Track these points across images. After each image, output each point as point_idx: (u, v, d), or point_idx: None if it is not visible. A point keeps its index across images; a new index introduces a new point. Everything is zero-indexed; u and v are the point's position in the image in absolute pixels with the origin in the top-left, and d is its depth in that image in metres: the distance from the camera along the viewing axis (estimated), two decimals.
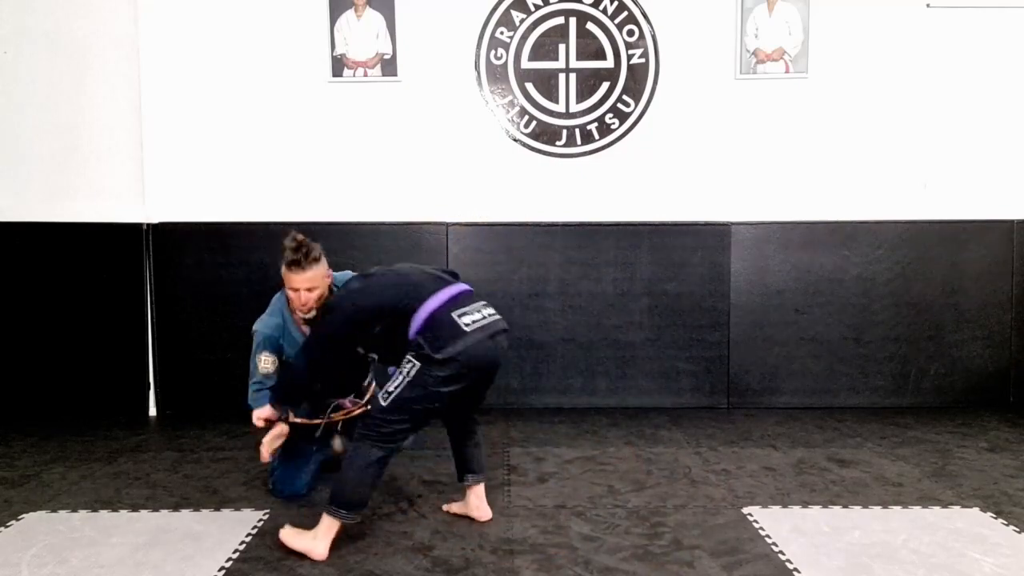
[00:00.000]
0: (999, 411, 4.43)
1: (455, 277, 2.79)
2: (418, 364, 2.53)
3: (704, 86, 4.46)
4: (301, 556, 2.58)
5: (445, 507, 2.98)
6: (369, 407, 2.97)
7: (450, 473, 3.09)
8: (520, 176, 4.51)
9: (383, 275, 2.77)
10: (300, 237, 2.78)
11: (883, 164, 4.51)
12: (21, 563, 2.56)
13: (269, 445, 2.88)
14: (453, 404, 2.66)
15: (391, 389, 2.55)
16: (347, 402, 3.15)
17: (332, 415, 3.07)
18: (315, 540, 2.58)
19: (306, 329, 2.96)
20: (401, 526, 2.85)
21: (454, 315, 2.56)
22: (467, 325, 2.56)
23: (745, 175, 4.50)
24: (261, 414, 2.89)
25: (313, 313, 2.80)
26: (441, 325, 2.54)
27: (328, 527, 2.58)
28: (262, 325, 3.04)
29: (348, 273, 3.09)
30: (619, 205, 4.50)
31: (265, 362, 2.97)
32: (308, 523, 2.86)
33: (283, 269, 2.77)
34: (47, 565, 2.55)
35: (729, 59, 4.45)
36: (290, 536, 2.62)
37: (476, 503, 2.89)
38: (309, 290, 2.76)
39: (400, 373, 2.55)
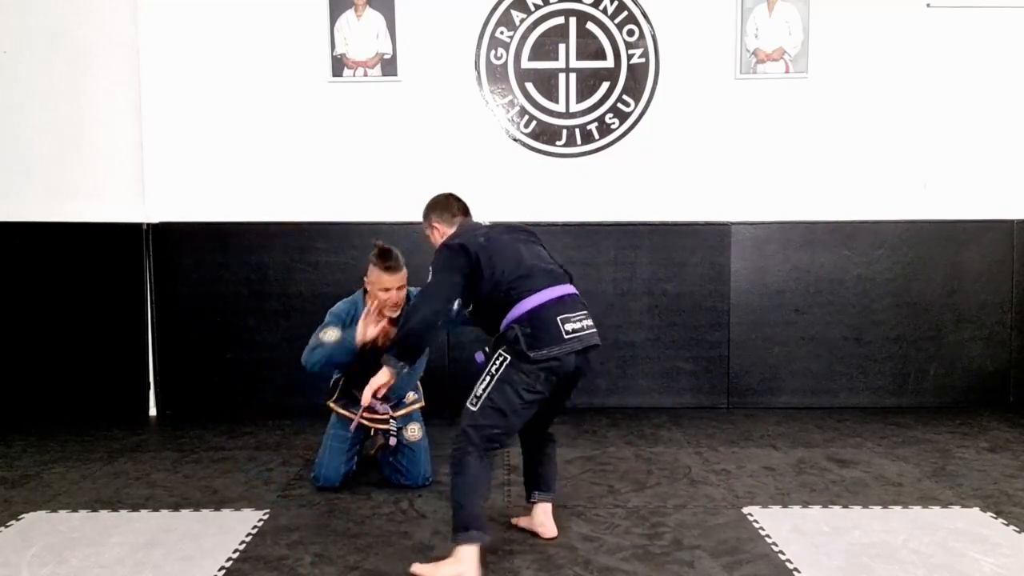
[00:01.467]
0: (999, 411, 4.43)
1: (567, 274, 2.68)
2: (508, 359, 2.45)
3: (704, 86, 4.46)
4: (301, 556, 2.59)
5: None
6: (392, 419, 3.15)
7: (446, 472, 3.04)
8: (520, 176, 4.51)
9: (503, 243, 2.62)
10: (385, 244, 2.98)
11: (883, 164, 4.51)
12: (21, 563, 2.56)
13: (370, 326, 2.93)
14: (534, 410, 2.55)
15: (479, 392, 2.47)
16: (379, 406, 3.13)
17: (363, 415, 3.03)
18: (460, 566, 2.37)
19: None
20: (401, 526, 2.85)
21: (560, 319, 2.48)
22: (567, 333, 2.47)
23: (745, 175, 4.50)
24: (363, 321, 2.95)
25: (399, 311, 3.00)
26: (544, 325, 2.46)
27: (466, 554, 2.38)
28: (336, 308, 3.23)
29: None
30: (619, 205, 4.50)
31: (327, 333, 3.06)
32: (308, 522, 2.87)
33: (376, 272, 3.00)
34: (47, 565, 2.55)
35: (729, 59, 4.45)
36: (427, 571, 2.41)
37: (542, 519, 2.76)
38: (399, 289, 3.03)
39: (487, 373, 2.48)
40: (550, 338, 2.44)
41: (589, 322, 2.57)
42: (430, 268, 2.60)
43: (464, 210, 2.85)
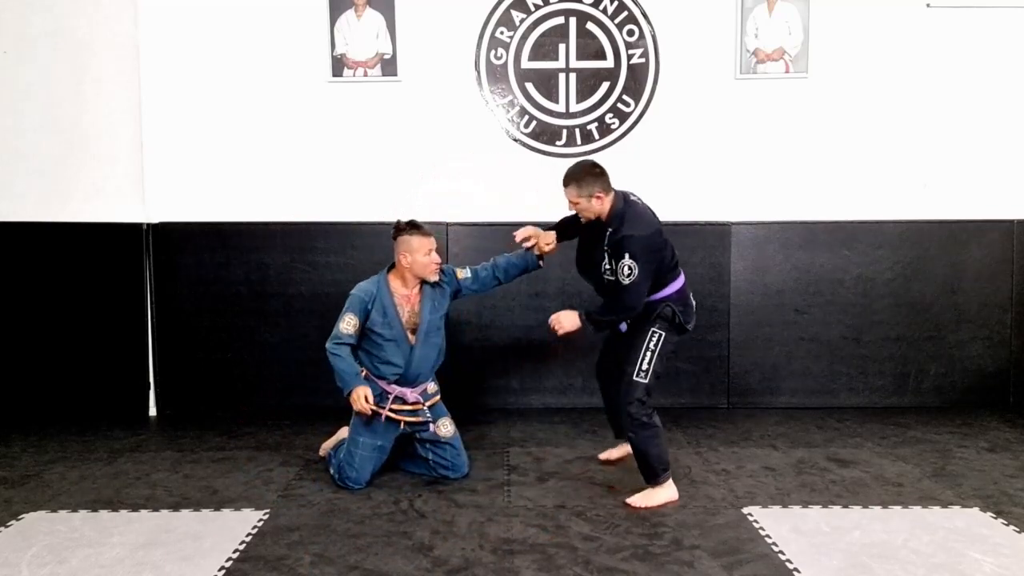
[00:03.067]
0: (999, 411, 4.43)
1: None
2: (663, 334, 3.01)
3: (704, 86, 4.46)
4: (301, 556, 2.60)
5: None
6: (421, 411, 3.27)
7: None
8: (520, 176, 4.51)
9: (658, 233, 3.04)
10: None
11: (883, 164, 4.51)
12: (21, 563, 2.56)
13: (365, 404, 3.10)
14: (605, 361, 3.29)
15: (644, 367, 2.99)
16: (409, 393, 3.26)
17: (392, 406, 3.21)
18: (667, 491, 3.05)
19: (400, 296, 3.24)
20: (401, 526, 2.85)
21: (690, 296, 3.12)
22: (695, 309, 3.14)
23: (745, 175, 4.50)
24: (360, 396, 3.08)
25: (439, 273, 3.27)
26: (689, 303, 3.10)
27: (668, 484, 3.05)
28: (357, 290, 3.25)
29: None
30: None
31: (347, 322, 3.16)
32: (308, 522, 2.87)
33: (417, 239, 3.21)
34: (47, 565, 2.55)
35: (729, 59, 4.45)
36: (642, 499, 3.02)
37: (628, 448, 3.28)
38: (436, 250, 3.25)
39: (646, 349, 2.99)
40: (692, 313, 3.10)
41: None
42: (626, 255, 2.90)
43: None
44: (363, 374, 3.23)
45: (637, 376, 2.98)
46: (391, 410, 3.20)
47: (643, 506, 3.00)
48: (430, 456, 3.33)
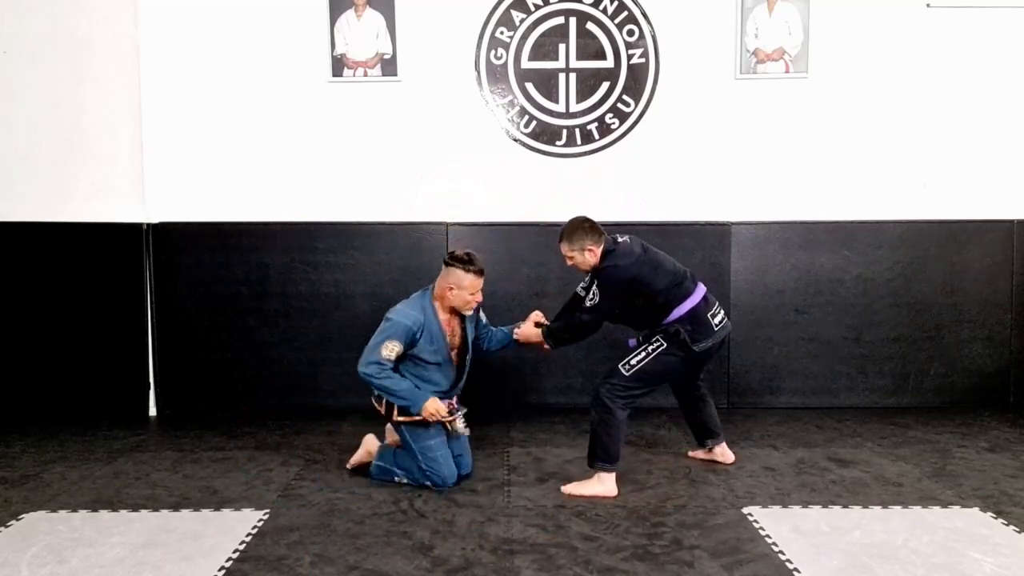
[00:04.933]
0: (999, 411, 4.43)
1: (696, 278, 3.29)
2: (665, 345, 3.13)
3: (704, 86, 4.46)
4: (301, 556, 2.59)
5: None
6: (456, 409, 3.33)
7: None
8: (520, 176, 4.51)
9: (655, 259, 3.21)
10: (462, 250, 3.32)
11: (883, 164, 4.51)
12: (21, 563, 2.56)
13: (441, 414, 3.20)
14: (677, 379, 3.37)
15: (633, 363, 3.13)
16: (444, 403, 3.29)
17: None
18: (601, 484, 3.12)
19: (443, 321, 3.26)
20: (401, 526, 2.85)
21: (708, 315, 3.17)
22: (716, 326, 3.19)
23: (745, 175, 4.50)
24: (435, 408, 3.17)
25: (473, 309, 3.32)
26: (701, 323, 3.15)
27: (607, 477, 3.12)
28: (402, 316, 3.18)
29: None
30: (619, 205, 4.49)
31: (391, 349, 3.13)
32: (308, 522, 2.87)
33: (469, 278, 3.17)
34: (47, 565, 2.55)
35: (729, 59, 4.45)
36: (575, 488, 3.13)
37: (721, 452, 3.51)
38: (480, 291, 3.25)
39: (643, 350, 3.14)
40: (707, 332, 3.15)
41: (723, 311, 3.28)
42: (595, 284, 3.18)
43: (600, 229, 3.29)
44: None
45: (623, 366, 3.15)
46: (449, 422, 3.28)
47: (573, 493, 3.11)
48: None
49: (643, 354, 3.14)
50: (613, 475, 3.13)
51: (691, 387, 3.47)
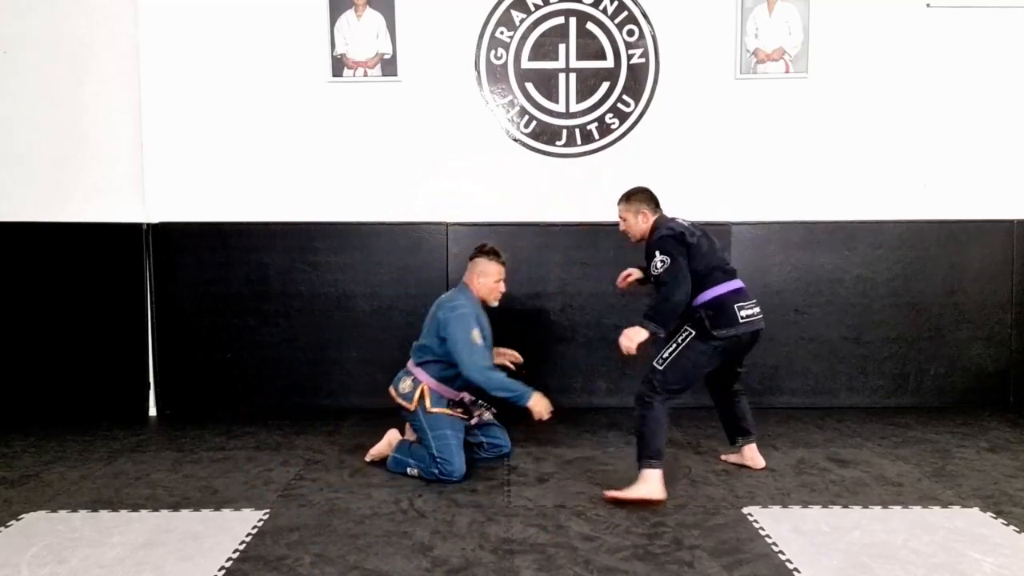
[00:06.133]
0: (999, 411, 4.43)
1: (736, 272, 3.29)
2: (693, 333, 3.13)
3: (704, 86, 4.46)
4: (301, 556, 2.59)
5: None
6: (480, 403, 3.49)
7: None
8: (520, 176, 4.51)
9: (703, 239, 3.22)
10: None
11: (883, 164, 4.51)
12: (21, 563, 2.56)
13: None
14: (710, 371, 3.29)
15: (666, 355, 3.14)
16: (467, 396, 3.47)
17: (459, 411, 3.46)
18: (648, 486, 3.03)
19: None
20: (401, 526, 2.85)
21: (736, 306, 3.15)
22: (743, 318, 3.15)
23: (745, 175, 4.50)
24: (543, 405, 3.34)
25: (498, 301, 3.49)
26: (725, 310, 3.13)
27: (651, 476, 3.04)
28: (468, 307, 3.35)
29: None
30: None
31: (477, 336, 3.30)
32: (308, 522, 2.86)
33: (495, 266, 3.43)
34: (47, 565, 2.55)
35: (729, 59, 4.45)
36: (622, 493, 3.03)
37: (751, 455, 3.48)
38: (505, 280, 3.49)
39: (674, 342, 3.15)
40: (730, 320, 3.12)
41: (758, 310, 3.24)
42: (656, 251, 3.16)
43: (659, 204, 3.38)
44: (423, 388, 3.35)
45: (657, 362, 3.16)
46: (477, 420, 3.48)
47: (619, 496, 3.03)
48: (483, 439, 3.52)
49: (673, 346, 3.15)
50: (658, 473, 3.05)
51: (727, 383, 3.47)
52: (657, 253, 3.16)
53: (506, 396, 3.29)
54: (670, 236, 3.16)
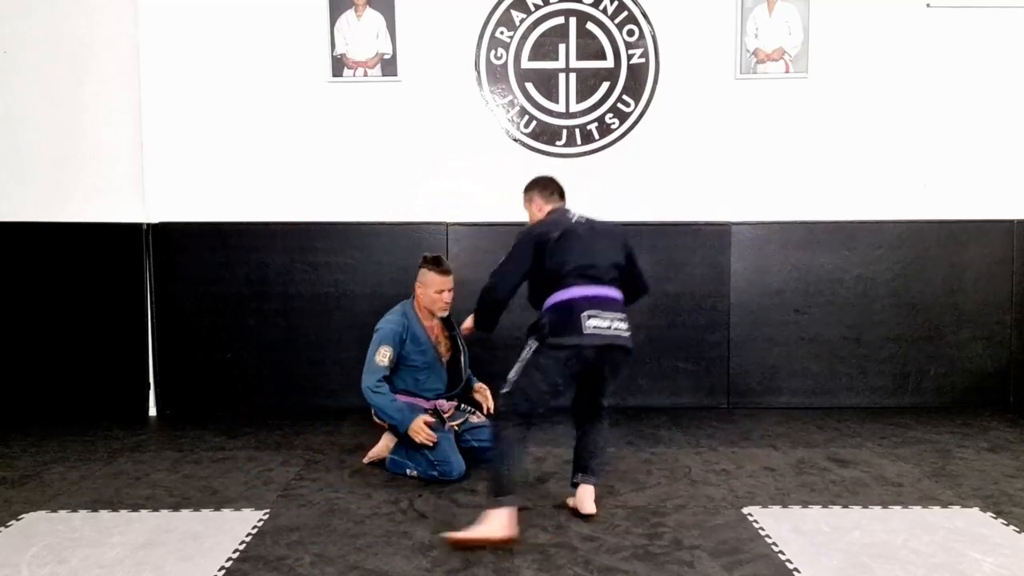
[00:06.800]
0: (999, 411, 4.43)
1: (610, 280, 2.89)
2: (535, 346, 2.81)
3: (704, 86, 4.46)
4: (301, 556, 2.59)
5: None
6: (462, 408, 3.49)
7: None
8: (520, 176, 4.45)
9: (574, 237, 2.89)
10: (432, 253, 3.39)
11: (883, 164, 4.51)
12: (21, 563, 2.56)
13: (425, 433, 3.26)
14: (566, 391, 2.91)
15: (511, 376, 2.83)
16: (444, 403, 3.48)
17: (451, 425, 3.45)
18: (489, 524, 2.66)
19: (427, 325, 3.44)
20: (401, 526, 2.85)
21: (584, 314, 2.76)
22: (588, 328, 2.75)
23: (745, 175, 4.50)
24: (421, 424, 3.24)
25: (447, 311, 3.39)
26: (567, 316, 2.77)
27: (495, 515, 2.66)
28: (386, 323, 3.39)
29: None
30: (619, 205, 4.49)
31: (383, 354, 3.28)
32: (308, 522, 2.87)
33: (432, 276, 3.34)
34: (47, 565, 2.55)
35: (729, 59, 4.45)
36: (462, 534, 2.67)
37: (581, 496, 2.95)
38: (450, 291, 3.38)
39: (520, 360, 2.84)
40: (570, 329, 2.75)
41: (621, 325, 2.84)
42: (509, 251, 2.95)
43: (562, 194, 3.16)
44: (400, 398, 3.36)
45: (504, 387, 2.84)
46: (450, 427, 3.44)
47: (459, 538, 2.65)
48: (473, 443, 3.45)
49: (518, 364, 2.82)
50: (503, 512, 2.65)
51: (582, 411, 3.04)
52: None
53: (387, 421, 3.30)
54: (524, 235, 2.92)
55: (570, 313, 2.76)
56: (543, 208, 3.09)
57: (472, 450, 3.44)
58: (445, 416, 3.45)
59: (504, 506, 2.67)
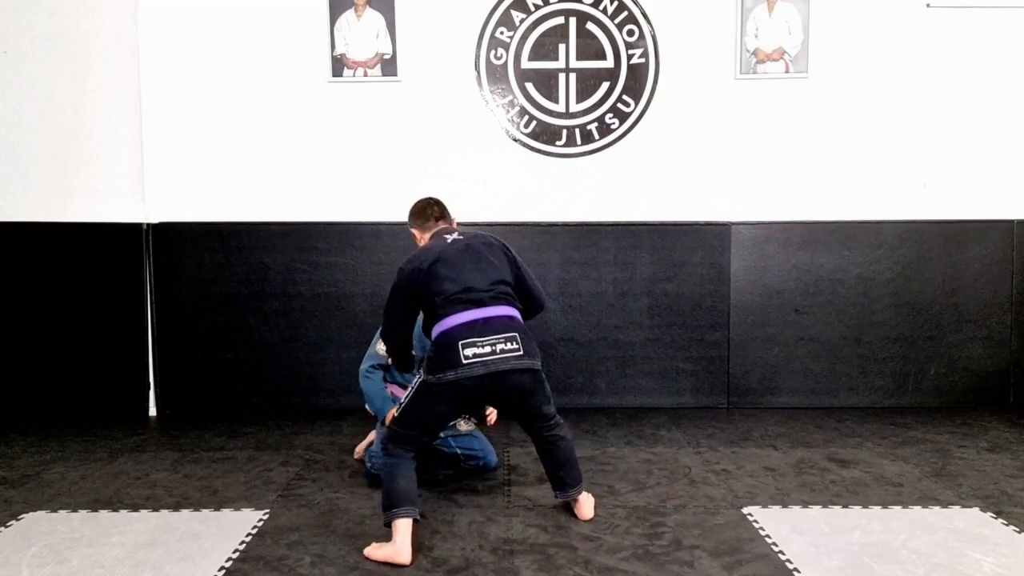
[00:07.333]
0: (999, 411, 4.43)
1: (495, 298, 2.72)
2: (422, 378, 2.70)
3: (704, 86, 4.46)
4: (301, 556, 2.60)
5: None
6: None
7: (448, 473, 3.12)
8: (520, 176, 4.51)
9: (450, 263, 2.73)
10: None
11: (883, 164, 4.51)
12: (21, 563, 2.56)
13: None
14: (453, 420, 2.95)
15: (402, 402, 2.77)
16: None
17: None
18: (389, 544, 2.58)
19: None
20: None
21: (460, 343, 2.59)
22: (467, 358, 2.58)
23: (745, 175, 4.50)
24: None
25: None
26: (443, 350, 2.61)
27: (393, 529, 2.59)
28: None
29: None
30: (619, 205, 4.50)
31: (383, 348, 3.14)
32: (308, 522, 2.87)
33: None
34: (47, 565, 2.55)
35: (729, 59, 4.45)
36: (373, 550, 2.61)
37: (577, 506, 2.93)
38: None
39: (411, 386, 2.76)
40: (448, 363, 2.59)
41: (509, 346, 2.63)
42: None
43: (441, 214, 3.04)
44: (391, 391, 3.32)
45: (395, 409, 2.81)
46: None
47: (368, 555, 2.59)
48: (458, 450, 3.32)
49: (408, 392, 2.76)
50: (403, 523, 2.57)
51: (529, 431, 2.93)
52: None
53: (370, 407, 3.28)
54: (398, 272, 2.78)
55: (447, 346, 2.60)
56: (424, 237, 2.99)
57: (455, 456, 3.32)
58: None
59: (399, 517, 2.57)
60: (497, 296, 2.72)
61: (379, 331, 3.19)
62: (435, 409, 2.69)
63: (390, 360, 3.10)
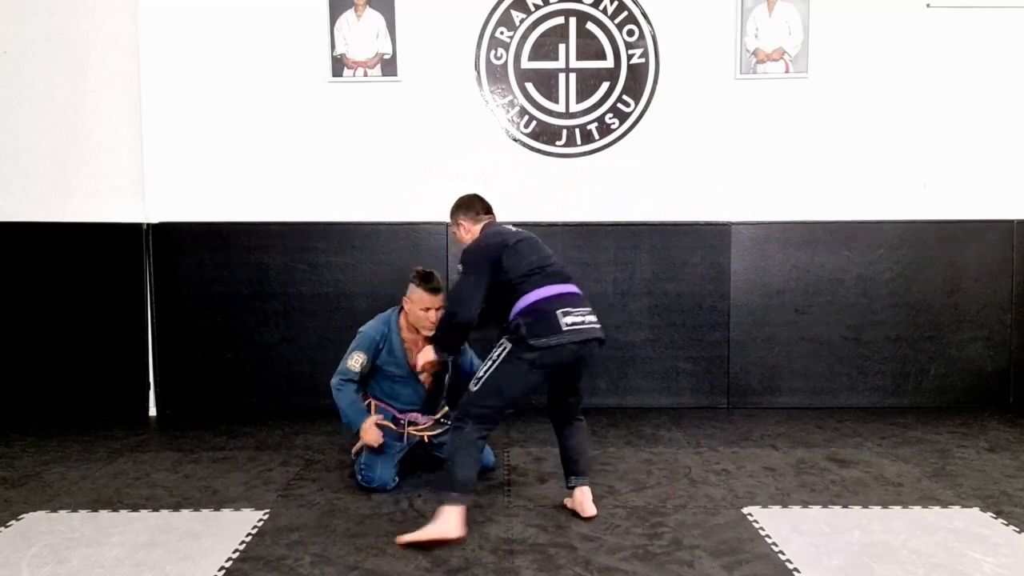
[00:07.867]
0: (999, 411, 4.43)
1: (568, 277, 2.94)
2: (509, 347, 2.76)
3: (704, 86, 4.46)
4: (301, 556, 2.59)
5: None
6: (441, 421, 3.39)
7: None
8: (520, 176, 4.51)
9: (524, 243, 2.93)
10: (426, 268, 3.27)
11: (883, 164, 4.51)
12: (21, 563, 2.56)
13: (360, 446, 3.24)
14: (540, 390, 2.92)
15: (480, 375, 2.80)
16: (420, 417, 3.37)
17: (409, 428, 3.34)
18: (442, 524, 2.65)
19: (409, 339, 3.31)
20: (401, 526, 2.84)
21: (559, 312, 2.76)
22: (566, 325, 2.74)
23: (745, 175, 4.50)
24: (371, 424, 3.19)
25: (434, 331, 3.14)
26: (544, 317, 2.74)
27: (449, 512, 2.66)
28: (368, 328, 3.33)
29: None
30: (619, 205, 4.50)
31: (356, 360, 3.22)
32: (308, 522, 2.87)
33: (420, 293, 3.18)
34: (47, 565, 2.55)
35: (729, 59, 4.45)
36: (414, 536, 2.65)
37: (579, 499, 2.95)
38: (438, 309, 3.18)
39: (489, 359, 2.80)
40: (549, 328, 2.72)
41: (592, 318, 2.85)
42: (459, 265, 2.92)
43: (487, 209, 3.16)
44: (369, 403, 3.33)
45: (472, 383, 2.83)
46: (410, 432, 3.34)
47: (412, 539, 2.65)
48: (444, 455, 3.29)
49: (489, 363, 2.79)
50: (458, 510, 2.67)
51: (559, 412, 3.01)
52: (459, 267, 2.91)
53: (343, 418, 3.25)
54: (476, 250, 2.91)
55: (547, 313, 2.75)
56: (472, 229, 3.08)
57: (442, 461, 3.25)
58: (408, 427, 3.32)
59: (459, 504, 2.67)
60: (569, 276, 2.94)
61: (352, 346, 3.26)
62: (521, 375, 2.75)
63: (432, 354, 3.03)
